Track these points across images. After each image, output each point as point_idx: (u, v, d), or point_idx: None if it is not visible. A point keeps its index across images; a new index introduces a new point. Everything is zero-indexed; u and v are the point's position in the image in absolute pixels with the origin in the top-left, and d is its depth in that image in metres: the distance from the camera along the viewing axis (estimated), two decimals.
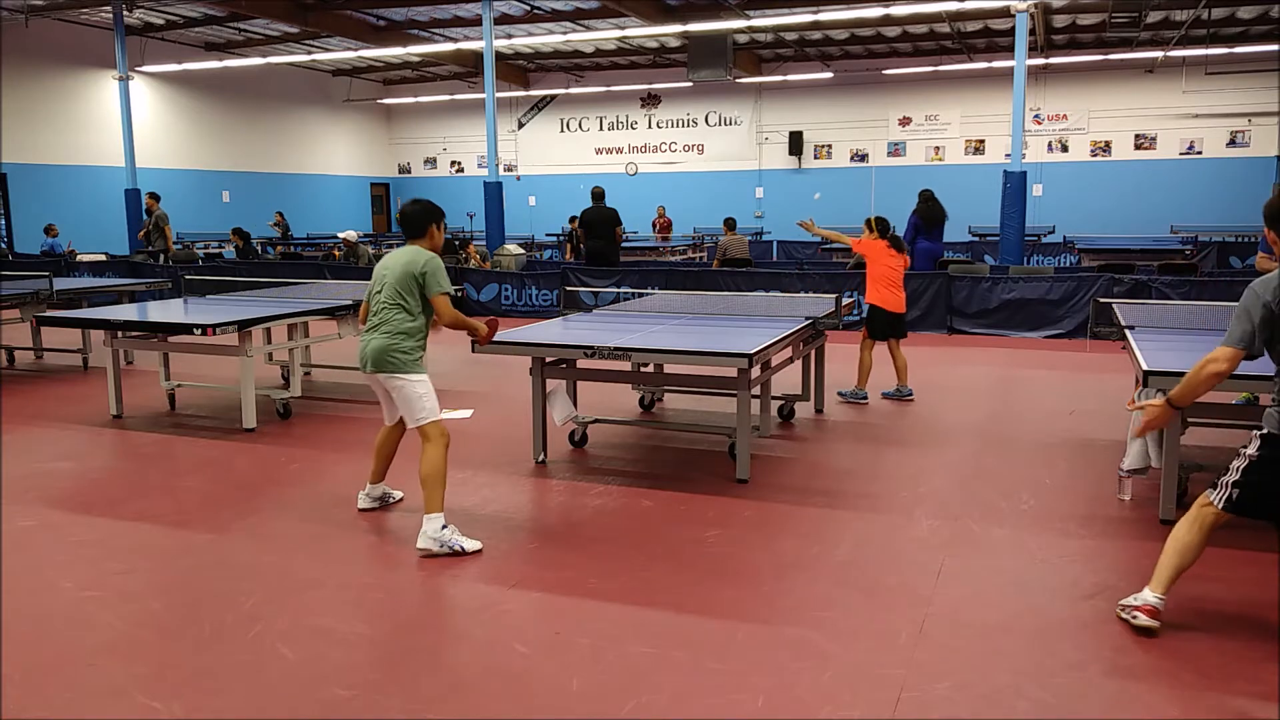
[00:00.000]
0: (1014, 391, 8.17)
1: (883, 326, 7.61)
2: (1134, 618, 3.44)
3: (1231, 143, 20.11)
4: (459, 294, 12.56)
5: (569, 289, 11.59)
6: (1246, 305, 3.24)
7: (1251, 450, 3.30)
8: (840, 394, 7.65)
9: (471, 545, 4.34)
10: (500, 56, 19.97)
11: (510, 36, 18.37)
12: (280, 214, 21.21)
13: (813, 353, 7.03)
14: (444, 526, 4.31)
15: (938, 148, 22.32)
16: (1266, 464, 3.24)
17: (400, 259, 4.50)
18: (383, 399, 4.74)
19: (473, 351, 5.32)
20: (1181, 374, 4.40)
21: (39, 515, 4.86)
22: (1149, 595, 3.44)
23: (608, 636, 3.48)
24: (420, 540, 4.32)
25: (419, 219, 4.55)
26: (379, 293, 4.51)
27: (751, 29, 17.90)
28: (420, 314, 4.49)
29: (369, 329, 4.52)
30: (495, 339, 5.66)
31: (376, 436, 4.89)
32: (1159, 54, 18.75)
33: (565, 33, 18.95)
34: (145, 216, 15.94)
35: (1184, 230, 18.22)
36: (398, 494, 5.06)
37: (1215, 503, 3.36)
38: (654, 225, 20.87)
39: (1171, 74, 20.11)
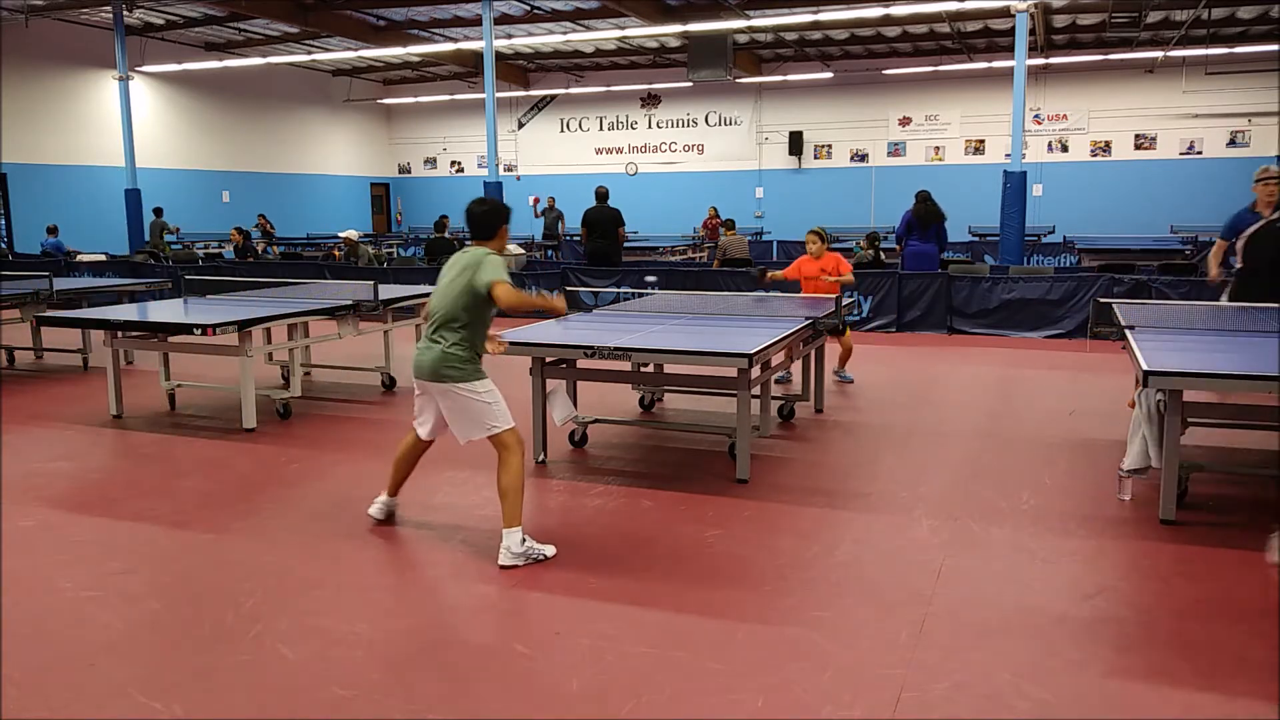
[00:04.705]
0: (1014, 391, 8.17)
1: None
2: None
3: (1231, 143, 20.11)
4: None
5: (569, 289, 11.58)
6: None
7: None
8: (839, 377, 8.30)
9: (550, 550, 4.23)
10: (500, 56, 19.96)
11: (510, 36, 18.37)
12: (263, 216, 21.14)
13: (813, 353, 7.03)
14: (524, 540, 4.17)
15: (938, 148, 22.32)
16: None
17: (459, 262, 4.26)
18: (427, 410, 4.46)
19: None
20: (1182, 374, 4.42)
21: (39, 515, 4.86)
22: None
23: (608, 636, 3.48)
24: (502, 557, 4.12)
25: (486, 220, 4.29)
26: (435, 300, 4.29)
27: (751, 29, 17.90)
28: (471, 319, 4.20)
29: (427, 338, 4.27)
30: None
31: (400, 445, 4.66)
32: (1159, 54, 18.74)
33: (565, 33, 18.95)
34: None
35: (1184, 230, 18.22)
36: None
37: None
38: (705, 225, 20.08)
39: (1171, 74, 20.11)
